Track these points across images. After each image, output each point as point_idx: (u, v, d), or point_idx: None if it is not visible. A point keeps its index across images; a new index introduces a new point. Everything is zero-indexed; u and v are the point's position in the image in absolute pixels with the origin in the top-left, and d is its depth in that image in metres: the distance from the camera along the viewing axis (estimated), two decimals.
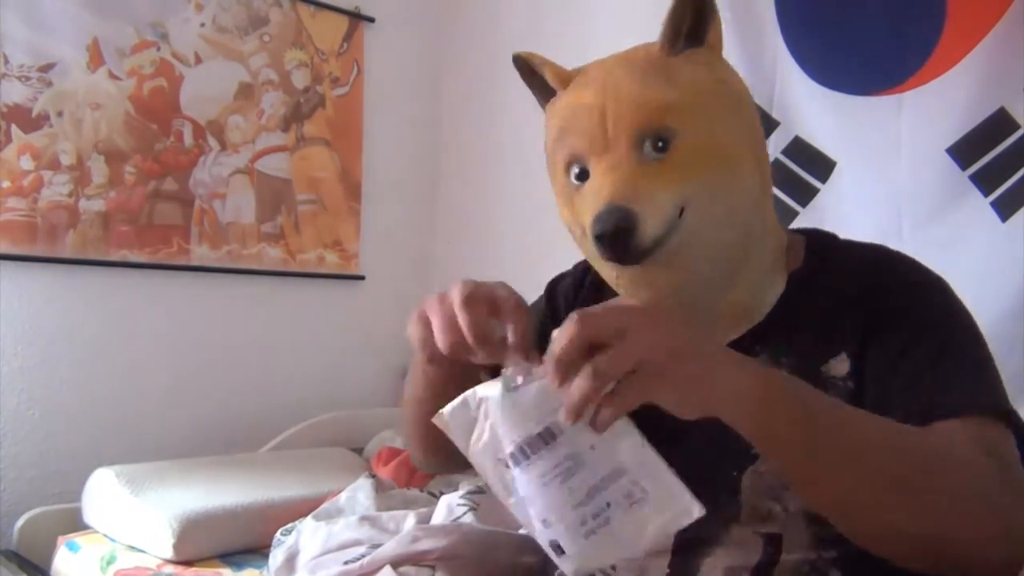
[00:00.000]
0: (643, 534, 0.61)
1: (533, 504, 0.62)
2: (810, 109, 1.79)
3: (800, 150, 1.80)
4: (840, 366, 0.78)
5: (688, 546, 0.77)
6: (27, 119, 1.95)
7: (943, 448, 0.67)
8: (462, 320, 0.67)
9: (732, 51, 1.89)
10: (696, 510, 0.60)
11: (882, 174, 1.66)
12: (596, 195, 0.76)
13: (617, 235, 0.73)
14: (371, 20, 2.58)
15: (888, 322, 0.77)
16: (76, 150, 2.02)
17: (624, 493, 0.60)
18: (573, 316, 0.57)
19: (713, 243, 0.78)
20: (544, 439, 0.60)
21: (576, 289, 0.98)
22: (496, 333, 0.67)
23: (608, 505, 0.60)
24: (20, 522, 1.83)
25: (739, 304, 0.82)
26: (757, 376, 0.61)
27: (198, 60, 2.23)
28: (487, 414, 0.62)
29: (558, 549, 0.62)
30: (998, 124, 1.52)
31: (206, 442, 2.15)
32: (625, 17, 2.21)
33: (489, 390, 0.62)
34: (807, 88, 1.78)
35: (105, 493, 1.74)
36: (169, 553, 1.56)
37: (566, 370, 0.57)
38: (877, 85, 1.68)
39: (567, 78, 0.84)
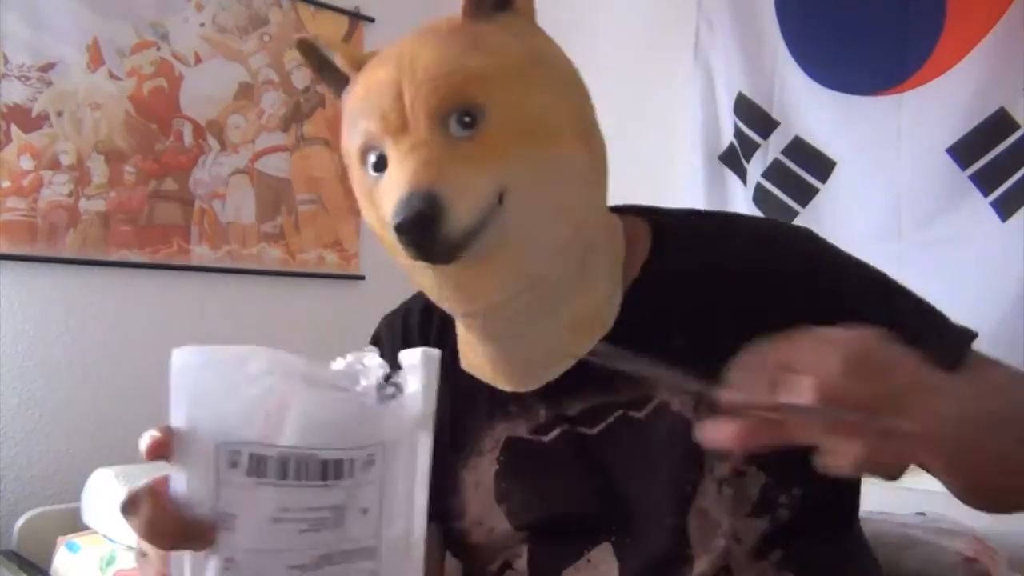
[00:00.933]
0: None
1: (232, 530, 0.44)
2: (810, 109, 1.79)
3: (800, 150, 1.80)
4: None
5: None
6: (27, 119, 1.95)
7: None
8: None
9: (732, 51, 1.91)
10: None
11: (882, 174, 1.66)
12: (396, 183, 0.63)
13: (419, 223, 0.60)
14: (371, 20, 2.57)
15: (813, 293, 0.70)
16: (76, 150, 2.02)
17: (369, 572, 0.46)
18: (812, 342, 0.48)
19: (545, 236, 0.67)
20: (326, 472, 0.44)
21: (405, 334, 0.84)
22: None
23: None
24: (20, 522, 1.83)
25: (588, 312, 0.71)
26: (949, 400, 0.52)
27: (198, 60, 2.23)
28: (275, 387, 0.44)
29: None
30: (998, 124, 1.52)
31: None
32: (625, 18, 2.22)
33: (326, 369, 0.47)
34: (807, 88, 1.78)
35: (105, 493, 1.74)
36: None
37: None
38: (877, 85, 1.68)
39: (361, 61, 0.72)
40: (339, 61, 0.74)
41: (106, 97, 2.07)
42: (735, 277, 0.71)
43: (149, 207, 2.14)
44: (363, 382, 0.46)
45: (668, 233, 0.77)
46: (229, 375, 0.47)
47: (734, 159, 1.91)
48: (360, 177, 0.70)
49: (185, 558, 0.45)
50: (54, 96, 1.99)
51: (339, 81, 0.74)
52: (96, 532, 1.75)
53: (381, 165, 0.67)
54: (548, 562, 0.75)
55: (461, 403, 0.75)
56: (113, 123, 2.08)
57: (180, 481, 0.45)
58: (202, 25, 2.24)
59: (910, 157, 1.63)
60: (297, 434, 0.44)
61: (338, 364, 0.48)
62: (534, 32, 0.71)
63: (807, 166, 1.79)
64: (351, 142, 0.69)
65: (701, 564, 0.69)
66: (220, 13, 2.27)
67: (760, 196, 1.84)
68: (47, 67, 1.98)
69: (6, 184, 1.92)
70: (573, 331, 0.71)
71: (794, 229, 0.80)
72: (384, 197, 0.66)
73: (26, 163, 1.95)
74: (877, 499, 1.32)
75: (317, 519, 0.44)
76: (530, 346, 0.72)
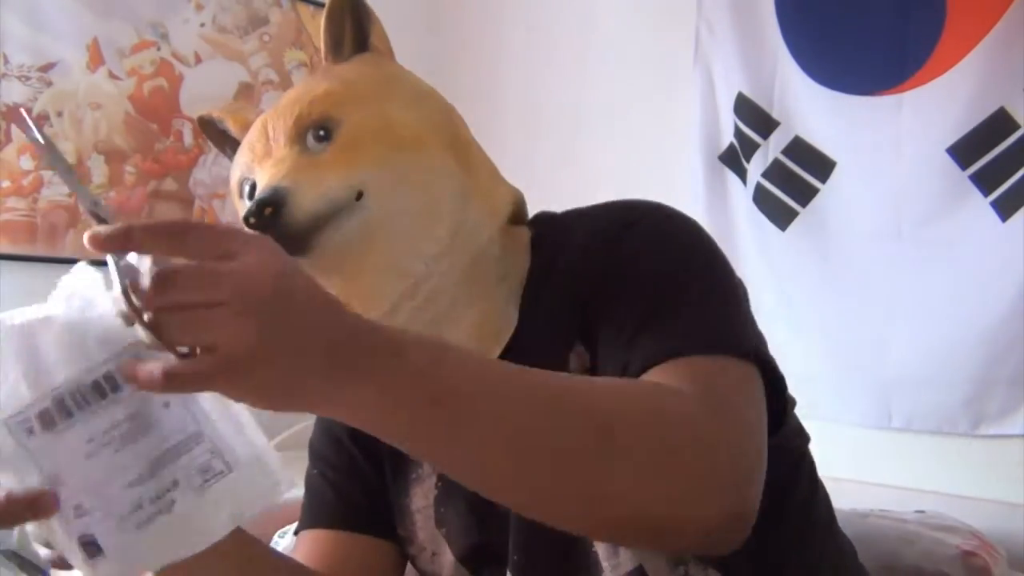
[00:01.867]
0: (217, 519, 0.47)
1: (64, 483, 0.45)
2: (810, 109, 1.78)
3: (800, 150, 1.80)
4: (580, 359, 0.69)
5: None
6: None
7: (624, 402, 0.56)
8: None
9: (732, 51, 1.91)
10: (284, 485, 0.49)
11: (882, 174, 1.66)
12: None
13: (261, 210, 0.64)
14: None
15: (604, 288, 0.69)
16: (76, 150, 2.02)
17: (200, 467, 0.46)
18: (158, 260, 0.45)
19: (415, 235, 0.70)
20: (100, 389, 0.45)
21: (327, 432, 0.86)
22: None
23: (176, 483, 0.46)
24: None
25: (486, 323, 0.73)
26: (370, 383, 0.47)
27: (198, 60, 2.23)
28: (16, 344, 0.46)
29: (92, 547, 0.45)
30: (998, 124, 1.52)
31: None
32: (625, 18, 2.22)
33: (45, 310, 0.48)
34: (807, 88, 1.78)
35: None
36: None
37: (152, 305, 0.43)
38: (877, 85, 1.68)
39: (248, 124, 0.77)
40: (231, 126, 0.81)
41: (106, 97, 2.07)
42: (575, 275, 0.72)
43: (149, 207, 2.14)
44: (98, 308, 0.48)
45: (540, 241, 0.78)
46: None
47: (734, 159, 1.91)
48: (240, 209, 0.74)
49: (54, 524, 0.46)
50: (54, 96, 1.99)
51: (233, 145, 0.80)
52: None
53: (253, 192, 0.72)
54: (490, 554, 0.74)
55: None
56: (113, 123, 2.08)
57: None
58: (202, 25, 2.24)
59: (910, 157, 1.63)
60: (60, 373, 0.45)
61: (58, 298, 0.50)
62: (392, 63, 0.80)
63: (807, 166, 1.78)
64: (232, 180, 0.76)
65: (609, 572, 0.67)
66: (220, 13, 2.27)
67: (760, 196, 1.84)
68: (47, 67, 1.98)
69: (6, 184, 1.92)
70: (477, 340, 0.72)
71: (615, 209, 0.76)
72: None
73: (26, 163, 1.95)
74: (876, 498, 1.33)
75: (122, 434, 0.46)
76: None
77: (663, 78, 2.09)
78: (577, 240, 0.74)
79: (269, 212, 0.64)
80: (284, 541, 1.40)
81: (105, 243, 0.46)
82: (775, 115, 1.84)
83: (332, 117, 0.70)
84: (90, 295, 0.49)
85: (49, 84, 1.98)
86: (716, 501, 0.56)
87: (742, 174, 1.89)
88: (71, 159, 2.01)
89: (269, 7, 2.37)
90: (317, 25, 2.77)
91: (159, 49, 2.16)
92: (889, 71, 1.66)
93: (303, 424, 2.24)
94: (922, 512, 1.27)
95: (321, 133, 0.70)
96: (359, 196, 0.69)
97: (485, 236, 0.74)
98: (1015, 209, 1.50)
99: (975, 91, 1.55)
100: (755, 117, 1.86)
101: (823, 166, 1.76)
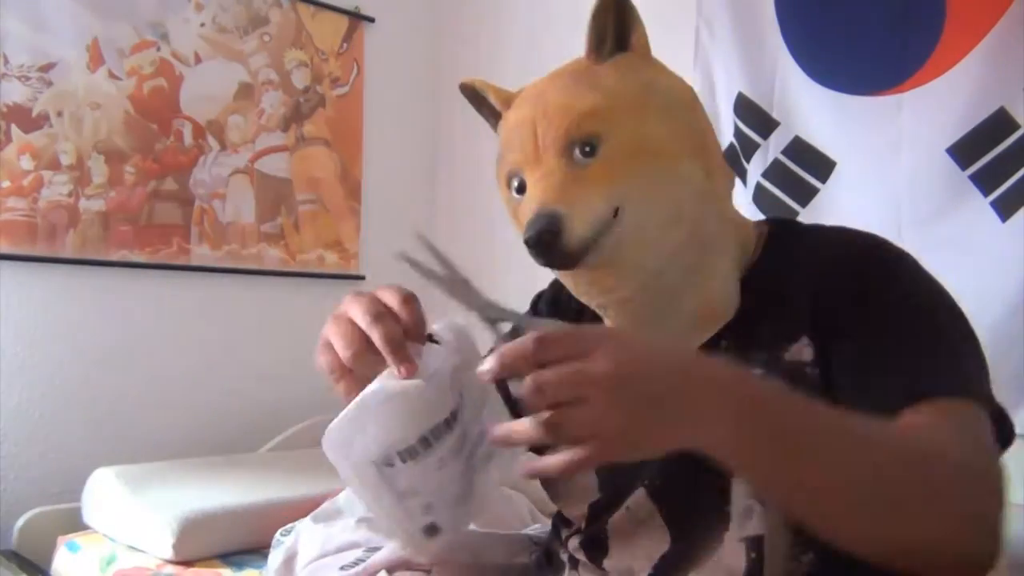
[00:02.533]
0: (492, 484, 0.64)
1: (419, 494, 0.61)
2: (810, 109, 1.78)
3: (800, 150, 1.80)
4: (803, 352, 0.76)
5: (674, 565, 0.78)
6: (27, 119, 1.95)
7: (918, 442, 0.64)
8: (362, 323, 0.65)
9: (732, 51, 1.91)
10: (524, 457, 0.61)
11: (882, 174, 1.66)
12: (529, 205, 0.79)
13: (542, 238, 0.75)
14: (371, 20, 2.58)
15: (851, 303, 0.75)
16: (76, 150, 2.02)
17: (486, 453, 0.62)
18: (530, 367, 0.53)
19: (659, 241, 0.79)
20: (449, 423, 0.60)
21: (553, 304, 0.99)
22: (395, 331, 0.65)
23: (474, 468, 0.62)
24: (20, 522, 1.83)
25: (710, 304, 0.82)
26: (727, 425, 0.56)
27: (198, 60, 2.23)
28: (376, 415, 0.60)
29: (432, 530, 0.62)
30: (998, 124, 1.52)
31: (206, 442, 2.15)
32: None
33: (387, 386, 0.60)
34: (807, 88, 1.78)
35: (105, 493, 1.74)
36: (169, 553, 1.55)
37: (504, 369, 0.54)
38: (877, 85, 1.68)
39: (509, 99, 0.88)
40: (492, 98, 0.91)
41: (106, 97, 2.07)
42: (813, 277, 0.79)
43: (149, 207, 2.14)
44: (432, 367, 0.63)
45: (778, 238, 0.86)
46: (357, 429, 0.62)
47: (734, 159, 1.91)
48: (507, 197, 0.86)
49: (394, 505, 0.62)
50: (54, 96, 1.99)
51: (494, 115, 0.92)
52: (96, 532, 1.75)
53: (522, 188, 0.83)
54: (600, 507, 0.85)
55: None
56: (113, 123, 2.08)
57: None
58: (202, 25, 2.24)
59: (910, 157, 1.63)
60: (423, 421, 0.61)
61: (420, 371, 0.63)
62: (648, 66, 0.84)
63: (807, 166, 1.78)
64: (500, 170, 0.86)
65: (735, 529, 0.76)
66: (220, 13, 2.27)
67: (760, 196, 1.84)
68: (47, 67, 1.98)
69: (6, 184, 1.92)
70: (696, 323, 0.82)
71: (872, 235, 0.83)
72: (522, 215, 0.81)
73: (26, 163, 1.95)
74: None
75: (456, 449, 0.62)
76: (657, 335, 0.82)
77: None
78: (826, 249, 0.80)
79: (548, 238, 0.74)
80: (287, 540, 1.40)
81: (496, 377, 0.55)
82: (775, 115, 1.84)
83: (597, 134, 0.78)
84: (438, 365, 0.63)
85: (49, 84, 1.98)
86: (988, 543, 0.64)
87: (742, 174, 1.89)
88: (71, 159, 2.01)
89: (269, 7, 2.37)
90: (317, 25, 2.79)
91: (159, 49, 2.16)
92: (889, 71, 1.66)
93: (302, 424, 2.24)
94: None
95: (587, 149, 0.78)
96: (616, 212, 0.77)
97: (714, 231, 0.81)
98: (1015, 209, 1.50)
99: (975, 91, 1.55)
100: (755, 117, 1.86)
101: (823, 166, 1.76)
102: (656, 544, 0.80)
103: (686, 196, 0.79)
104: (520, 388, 0.53)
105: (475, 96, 0.94)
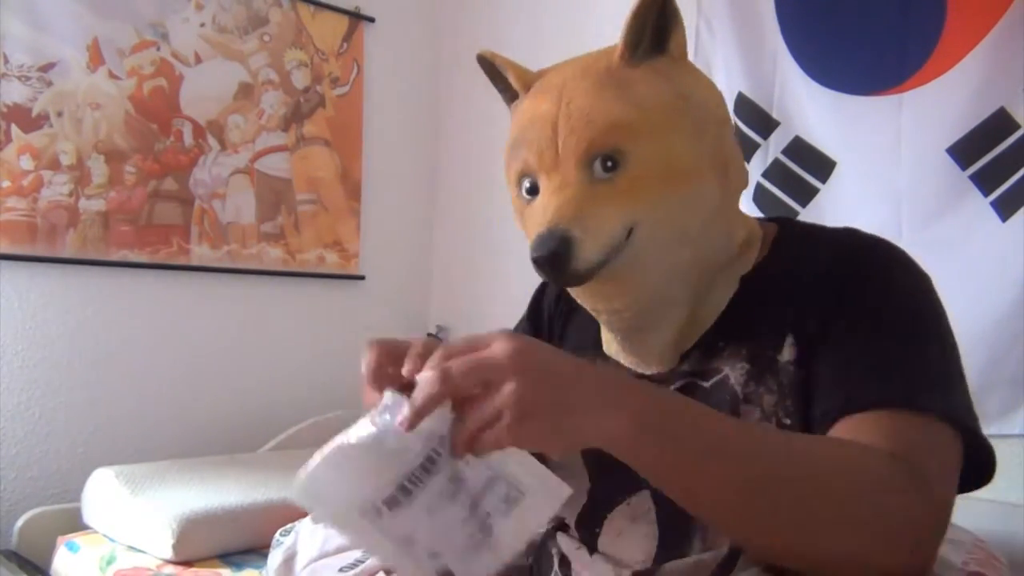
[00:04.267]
0: (524, 531, 0.62)
1: (418, 541, 0.60)
2: (810, 109, 1.78)
3: (800, 150, 1.80)
4: (789, 351, 0.75)
5: (670, 556, 0.78)
6: (27, 119, 1.95)
7: (830, 457, 0.64)
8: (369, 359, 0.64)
9: (732, 51, 1.91)
10: (566, 490, 0.61)
11: (882, 174, 1.66)
12: (542, 215, 0.75)
13: (551, 260, 0.72)
14: (371, 20, 2.58)
15: (834, 304, 0.74)
16: (76, 150, 2.02)
17: (502, 497, 0.61)
18: (436, 365, 0.57)
19: (665, 260, 0.77)
20: (426, 467, 0.59)
21: (556, 299, 0.98)
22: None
23: (489, 514, 0.60)
24: (20, 522, 1.83)
25: (700, 315, 0.82)
26: (623, 414, 0.59)
27: (198, 60, 2.23)
28: (354, 462, 0.59)
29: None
30: (998, 124, 1.52)
31: (206, 442, 2.15)
32: (625, 17, 2.22)
33: (360, 434, 0.60)
34: (807, 88, 1.78)
35: (105, 493, 1.74)
36: (169, 553, 1.55)
37: (419, 418, 0.57)
38: (877, 85, 1.68)
39: (529, 81, 0.83)
40: (512, 78, 0.85)
41: (106, 97, 2.07)
42: (810, 279, 0.77)
43: (149, 207, 2.14)
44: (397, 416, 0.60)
45: (783, 239, 0.84)
46: (330, 478, 0.60)
47: None
48: (515, 195, 0.82)
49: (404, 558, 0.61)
50: (54, 96, 1.99)
51: (510, 94, 0.86)
52: (96, 532, 1.75)
53: (534, 191, 0.79)
54: (600, 501, 0.84)
55: (571, 349, 0.90)
56: (113, 123, 2.08)
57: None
58: (202, 25, 2.24)
59: (910, 157, 1.63)
60: (390, 471, 0.59)
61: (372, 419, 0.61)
62: (684, 74, 0.79)
63: (807, 166, 1.79)
64: (511, 166, 0.81)
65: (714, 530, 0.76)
66: (220, 13, 2.27)
67: (760, 196, 1.84)
68: (47, 67, 1.98)
69: (6, 184, 1.92)
70: (684, 331, 0.81)
71: (872, 239, 0.80)
72: (531, 221, 0.78)
73: (26, 163, 1.95)
74: None
75: (450, 492, 0.60)
76: (647, 343, 0.83)
77: None
78: (822, 252, 0.78)
79: (557, 263, 0.72)
80: (287, 540, 1.40)
81: (422, 415, 0.57)
82: (775, 115, 1.84)
83: (622, 150, 0.74)
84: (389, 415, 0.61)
85: (49, 84, 1.98)
86: (910, 560, 0.63)
87: None
88: (71, 159, 2.01)
89: (269, 7, 2.37)
90: (317, 25, 2.79)
91: (159, 49, 2.16)
92: (889, 71, 1.66)
93: (302, 425, 2.24)
94: None
95: (609, 164, 0.74)
96: (629, 232, 0.75)
97: (718, 248, 0.80)
98: (1015, 209, 1.50)
99: (975, 91, 1.55)
100: (755, 117, 1.86)
101: (823, 166, 1.76)
102: (647, 541, 0.81)
103: (699, 216, 0.77)
104: (422, 377, 0.57)
105: (492, 70, 0.88)
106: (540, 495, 0.61)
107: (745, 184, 0.85)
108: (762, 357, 0.76)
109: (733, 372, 0.78)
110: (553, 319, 0.98)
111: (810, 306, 0.75)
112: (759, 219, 0.88)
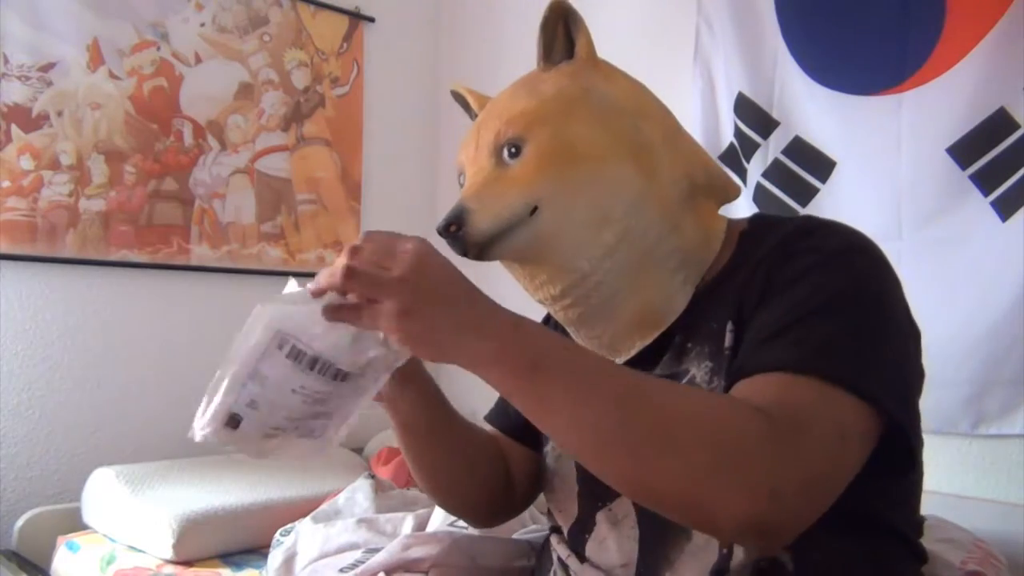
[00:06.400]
0: (281, 453, 0.73)
1: (265, 386, 0.69)
2: (810, 109, 1.78)
3: (800, 150, 1.80)
4: (728, 338, 0.76)
5: (653, 560, 0.78)
6: (27, 119, 1.95)
7: (688, 406, 0.65)
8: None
9: (732, 51, 1.91)
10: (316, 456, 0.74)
11: (882, 174, 1.66)
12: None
13: (446, 228, 0.81)
14: (371, 20, 2.58)
15: (768, 283, 0.75)
16: (76, 150, 2.02)
17: (300, 431, 0.72)
18: (356, 243, 0.67)
19: (585, 242, 0.80)
20: (336, 376, 0.69)
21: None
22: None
23: (287, 431, 0.71)
24: (20, 522, 1.83)
25: (649, 309, 0.83)
26: (491, 344, 0.65)
27: (198, 60, 2.23)
28: (314, 309, 0.68)
29: (234, 421, 0.70)
30: (998, 124, 1.52)
31: (206, 442, 2.14)
32: (625, 18, 2.22)
33: (333, 299, 0.69)
34: (807, 88, 1.78)
35: (105, 493, 1.74)
36: (169, 553, 1.55)
37: (319, 293, 0.68)
38: (877, 85, 1.67)
39: (485, 102, 0.94)
40: (472, 104, 0.98)
41: (106, 97, 2.07)
42: (758, 268, 0.78)
43: (149, 207, 2.14)
44: (371, 352, 0.71)
45: (748, 238, 0.85)
46: (302, 302, 0.70)
47: (734, 159, 1.90)
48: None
49: (224, 381, 0.70)
50: (54, 96, 1.99)
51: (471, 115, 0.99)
52: (96, 532, 1.75)
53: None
54: (586, 506, 0.88)
55: None
56: (113, 123, 2.08)
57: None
58: (202, 25, 2.24)
59: (910, 157, 1.63)
60: (328, 349, 0.68)
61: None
62: (592, 73, 0.86)
63: (807, 166, 1.78)
64: (456, 166, 0.91)
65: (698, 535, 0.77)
66: (220, 13, 2.27)
67: (760, 196, 1.84)
68: (47, 67, 1.98)
69: (6, 184, 1.92)
70: (636, 327, 0.84)
71: (822, 222, 0.81)
72: None
73: (26, 163, 1.95)
74: None
75: (315, 398, 0.70)
76: (601, 335, 0.86)
77: (663, 77, 2.09)
78: (771, 239, 0.80)
79: (453, 229, 0.81)
80: (287, 540, 1.40)
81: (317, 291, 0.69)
82: (775, 115, 1.84)
83: (522, 136, 0.82)
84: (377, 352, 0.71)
85: (49, 84, 1.98)
86: (739, 510, 0.62)
87: (742, 174, 1.89)
88: (71, 159, 2.01)
89: (269, 7, 2.37)
90: (317, 25, 2.79)
91: (159, 49, 2.16)
92: (889, 71, 1.66)
93: None
94: (923, 518, 1.26)
95: (512, 150, 0.82)
96: (534, 210, 0.81)
97: (653, 236, 0.82)
98: (1015, 209, 1.50)
99: (975, 91, 1.54)
100: (755, 117, 1.86)
101: (823, 166, 1.76)
102: (629, 544, 0.82)
103: (614, 198, 0.80)
104: (329, 273, 0.66)
105: (462, 100, 1.00)
106: (319, 446, 0.74)
107: (705, 179, 0.87)
108: (718, 353, 0.78)
109: (699, 371, 0.79)
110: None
111: (748, 291, 0.77)
112: (737, 218, 0.89)
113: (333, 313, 0.66)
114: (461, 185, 0.88)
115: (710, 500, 0.62)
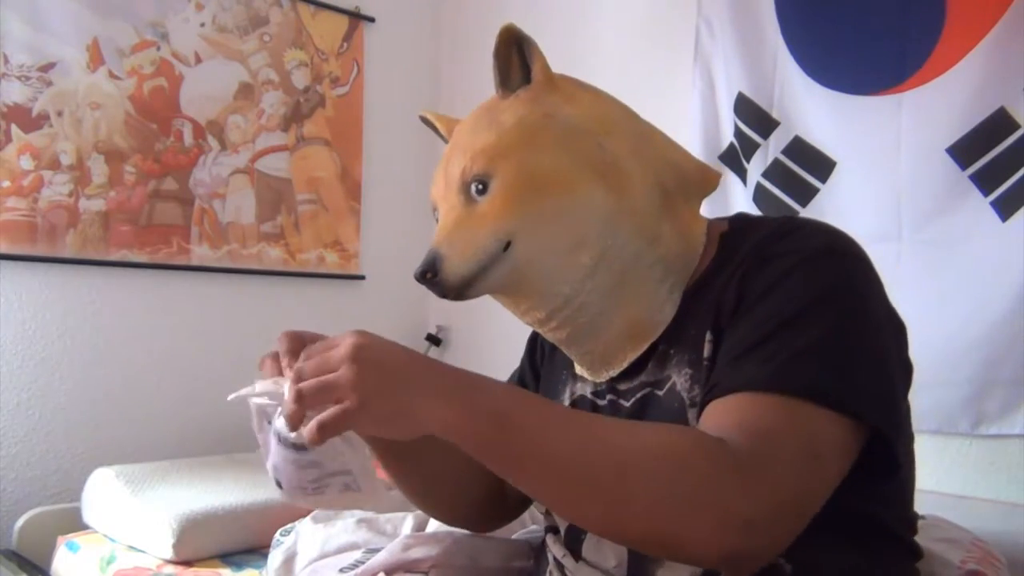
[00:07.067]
0: (346, 506, 0.78)
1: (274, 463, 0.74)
2: (810, 109, 1.78)
3: (800, 150, 1.80)
4: (707, 348, 0.77)
5: (645, 559, 0.79)
6: (27, 119, 1.95)
7: (639, 443, 0.66)
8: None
9: (732, 51, 1.91)
10: (386, 506, 0.78)
11: (882, 174, 1.66)
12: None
13: (423, 276, 0.81)
14: (371, 20, 2.58)
15: (742, 292, 0.75)
16: (76, 150, 2.02)
17: (341, 486, 0.74)
18: (299, 364, 0.68)
19: (563, 268, 0.80)
20: (297, 446, 0.71)
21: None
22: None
23: (329, 486, 0.74)
24: (20, 522, 1.83)
25: (638, 321, 0.83)
26: (453, 405, 0.65)
27: (198, 60, 2.23)
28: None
29: (277, 483, 0.76)
30: (998, 124, 1.52)
31: (206, 442, 2.15)
32: (625, 18, 2.22)
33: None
34: (807, 88, 1.78)
35: (105, 493, 1.74)
36: (169, 553, 1.55)
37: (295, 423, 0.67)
38: (877, 85, 1.68)
39: (451, 130, 0.93)
40: (441, 130, 0.97)
41: (106, 97, 2.07)
42: (738, 273, 0.78)
43: (149, 207, 2.14)
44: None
45: (729, 241, 0.84)
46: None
47: (734, 159, 1.91)
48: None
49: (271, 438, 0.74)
50: (54, 96, 1.99)
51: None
52: (96, 532, 1.75)
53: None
54: None
55: (554, 373, 0.98)
56: (113, 123, 2.08)
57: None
58: (202, 25, 2.24)
59: (910, 157, 1.63)
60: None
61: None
62: (551, 96, 0.84)
63: (807, 166, 1.78)
64: (430, 200, 0.90)
65: None
66: (220, 13, 2.27)
67: (760, 196, 1.84)
68: (47, 67, 1.98)
69: (6, 184, 1.92)
70: (627, 339, 0.84)
71: (801, 223, 0.81)
72: None
73: (26, 163, 1.95)
74: None
75: (305, 463, 0.73)
76: (592, 351, 0.86)
77: (663, 78, 2.10)
78: (749, 242, 0.79)
79: (429, 276, 0.81)
80: (287, 540, 1.40)
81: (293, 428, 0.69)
82: (775, 115, 1.84)
83: (487, 173, 0.81)
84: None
85: (49, 84, 1.98)
86: (712, 544, 0.63)
87: (742, 174, 1.89)
88: (71, 159, 2.01)
89: (269, 7, 2.37)
90: (317, 25, 2.79)
91: (159, 49, 2.16)
92: (889, 71, 1.66)
93: None
94: (922, 518, 1.26)
95: (479, 187, 0.82)
96: (508, 245, 0.80)
97: (632, 252, 0.81)
98: (1015, 209, 1.50)
99: (975, 91, 1.55)
100: (755, 117, 1.86)
101: (823, 166, 1.76)
102: (620, 545, 0.82)
103: (586, 222, 0.80)
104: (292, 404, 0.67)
105: (431, 125, 1.00)
106: (369, 495, 0.75)
107: (678, 181, 0.85)
108: (698, 361, 0.78)
109: (679, 378, 0.80)
110: (544, 347, 1.03)
111: (726, 296, 0.77)
112: (716, 219, 0.88)
113: (317, 437, 0.65)
114: (436, 220, 0.88)
115: (683, 537, 0.63)
